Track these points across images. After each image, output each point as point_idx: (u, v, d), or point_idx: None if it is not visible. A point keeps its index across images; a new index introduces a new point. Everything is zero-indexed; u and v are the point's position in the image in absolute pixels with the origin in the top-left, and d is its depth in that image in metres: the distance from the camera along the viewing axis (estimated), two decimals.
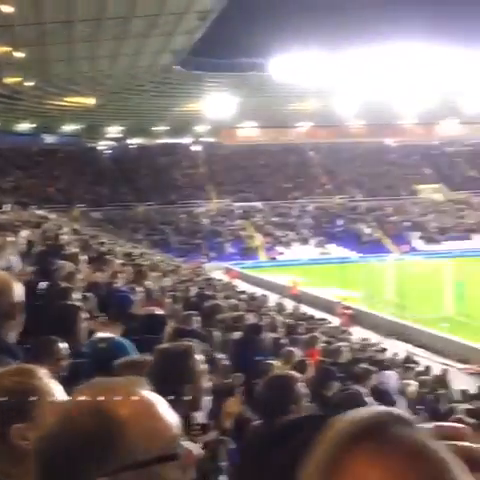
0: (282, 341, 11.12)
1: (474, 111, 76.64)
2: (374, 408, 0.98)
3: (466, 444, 0.99)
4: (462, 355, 21.66)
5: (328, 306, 31.25)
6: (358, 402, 4.27)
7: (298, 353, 8.44)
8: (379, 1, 72.31)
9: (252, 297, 24.46)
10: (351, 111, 75.33)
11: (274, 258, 60.13)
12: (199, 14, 41.25)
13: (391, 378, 11.03)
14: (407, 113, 77.87)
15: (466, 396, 12.28)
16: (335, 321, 25.88)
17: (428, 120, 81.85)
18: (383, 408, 0.98)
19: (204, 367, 3.29)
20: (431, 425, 1.02)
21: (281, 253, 61.51)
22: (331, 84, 68.75)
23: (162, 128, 79.15)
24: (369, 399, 4.37)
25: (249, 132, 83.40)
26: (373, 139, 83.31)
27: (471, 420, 6.17)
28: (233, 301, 17.60)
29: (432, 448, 0.93)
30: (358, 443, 0.93)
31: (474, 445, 0.98)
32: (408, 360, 17.03)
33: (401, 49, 66.28)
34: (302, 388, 3.73)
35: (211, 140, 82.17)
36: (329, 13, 71.04)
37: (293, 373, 4.19)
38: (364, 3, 72.18)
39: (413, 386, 9.84)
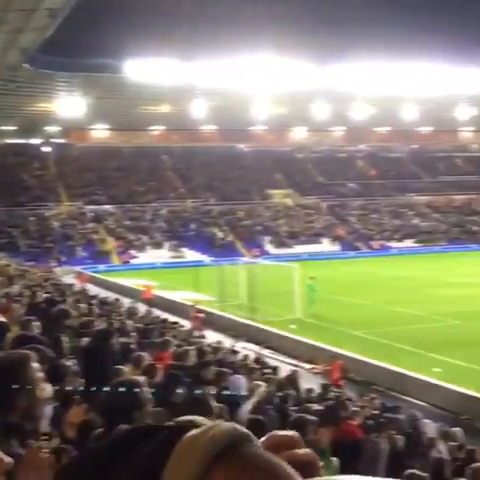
0: (133, 346, 11.02)
1: (322, 119, 79.59)
2: (225, 426, 1.00)
3: (294, 451, 1.03)
4: (309, 355, 22.37)
5: (181, 310, 31.31)
6: (204, 406, 4.28)
7: (147, 358, 8.37)
8: (231, 14, 73.35)
9: (104, 302, 24.13)
10: (204, 116, 76.00)
11: (127, 262, 59.58)
12: (49, 11, 40.13)
13: (240, 380, 11.20)
14: (259, 119, 79.59)
15: (312, 396, 12.69)
16: (188, 325, 25.97)
17: (279, 127, 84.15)
18: (233, 426, 1.00)
19: (41, 375, 3.17)
20: (266, 436, 1.06)
21: (134, 257, 61.05)
22: (185, 89, 69.05)
23: (10, 128, 76.40)
24: (214, 403, 4.40)
25: (101, 134, 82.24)
26: (226, 144, 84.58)
27: (312, 418, 6.41)
28: (84, 306, 17.29)
29: (280, 465, 0.98)
30: (215, 464, 0.95)
31: (300, 451, 1.02)
32: (258, 362, 17.35)
33: (253, 59, 67.72)
34: (147, 393, 3.69)
35: (62, 141, 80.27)
36: (184, 21, 71.32)
37: (137, 378, 4.13)
38: (217, 15, 73.00)
39: (262, 387, 10.04)
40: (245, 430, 1.02)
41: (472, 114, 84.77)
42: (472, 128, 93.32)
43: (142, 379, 4.03)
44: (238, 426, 1.01)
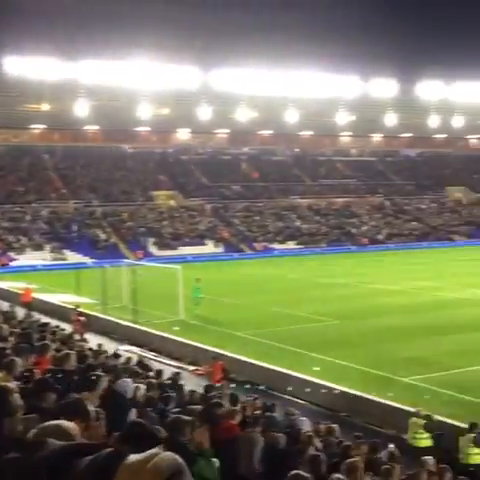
0: (8, 351, 10.68)
1: (205, 121, 79.92)
2: (166, 455, 1.06)
3: None
4: (193, 357, 22.42)
5: (62, 313, 30.66)
6: (79, 410, 4.19)
7: (22, 363, 8.13)
8: (114, 13, 72.39)
9: None
10: (87, 115, 74.68)
11: (6, 264, 57.64)
12: None
13: (124, 384, 11.07)
14: (143, 120, 78.99)
15: (194, 397, 12.73)
16: (69, 328, 25.43)
17: (163, 128, 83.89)
18: (173, 456, 1.07)
19: None
20: None
21: (13, 259, 59.18)
22: (67, 87, 67.67)
23: None
24: (91, 407, 4.32)
25: None
26: (109, 144, 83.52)
27: (189, 418, 6.45)
28: None
29: None
30: None
31: None
32: (140, 364, 17.21)
33: (137, 59, 67.32)
34: (17, 400, 3.57)
35: None
36: (67, 19, 69.73)
37: (6, 384, 4.00)
38: (100, 14, 71.89)
39: (142, 390, 9.98)
40: (181, 460, 1.09)
41: (350, 119, 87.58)
42: (350, 133, 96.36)
43: (13, 385, 3.91)
44: (177, 456, 1.07)
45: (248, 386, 18.66)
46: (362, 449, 10.12)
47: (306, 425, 11.68)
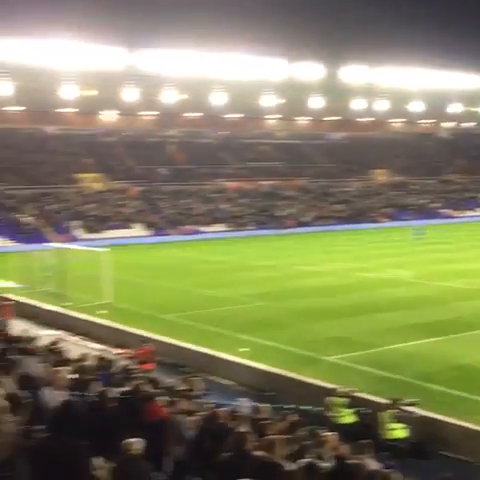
0: None
1: (132, 103, 78.94)
2: None
3: None
4: (119, 340, 22.30)
5: None
6: None
7: None
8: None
9: None
10: (10, 96, 72.63)
11: None
12: None
13: (35, 365, 10.96)
14: (68, 101, 77.29)
15: (117, 380, 12.71)
16: None
17: (89, 109, 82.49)
18: None
19: None
20: None
21: None
22: None
23: None
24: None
25: None
26: (33, 126, 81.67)
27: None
28: None
29: None
30: None
31: None
32: (59, 348, 16.81)
33: (61, 39, 65.66)
34: None
35: None
36: None
37: None
38: None
39: (64, 372, 9.89)
40: None
41: (277, 102, 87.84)
42: (277, 116, 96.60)
43: None
44: None
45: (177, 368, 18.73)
46: (280, 425, 10.29)
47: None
